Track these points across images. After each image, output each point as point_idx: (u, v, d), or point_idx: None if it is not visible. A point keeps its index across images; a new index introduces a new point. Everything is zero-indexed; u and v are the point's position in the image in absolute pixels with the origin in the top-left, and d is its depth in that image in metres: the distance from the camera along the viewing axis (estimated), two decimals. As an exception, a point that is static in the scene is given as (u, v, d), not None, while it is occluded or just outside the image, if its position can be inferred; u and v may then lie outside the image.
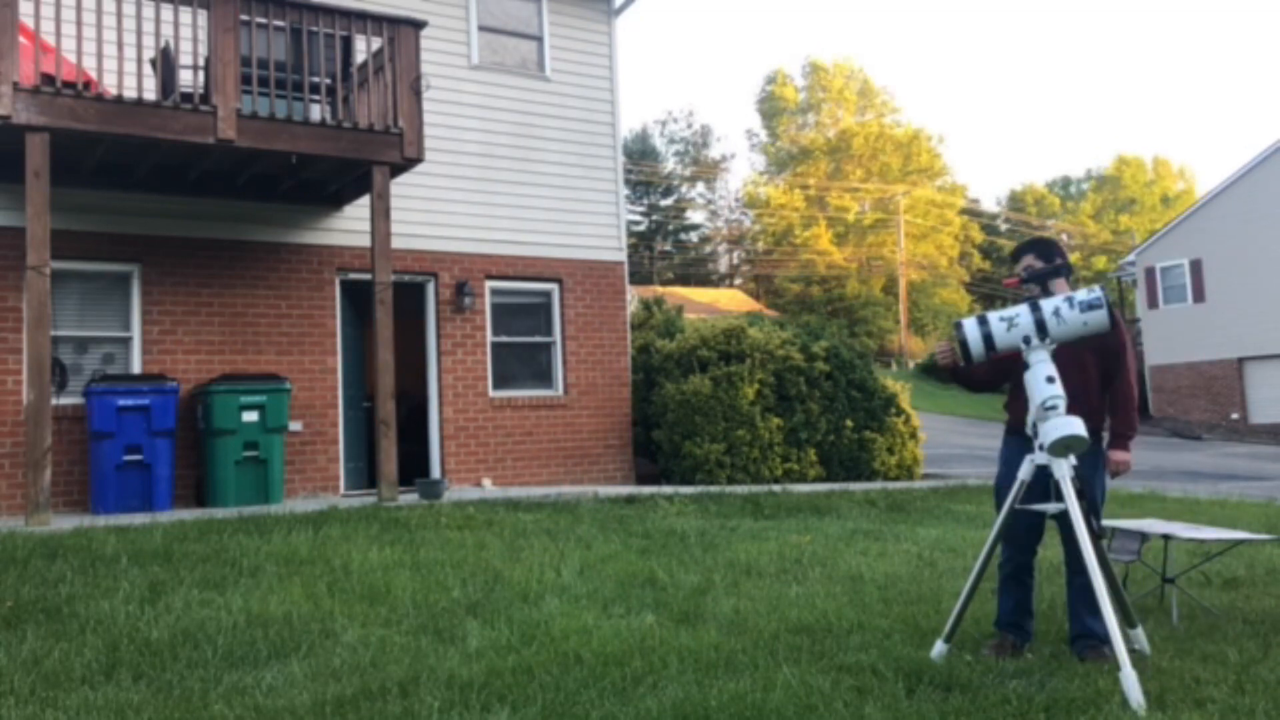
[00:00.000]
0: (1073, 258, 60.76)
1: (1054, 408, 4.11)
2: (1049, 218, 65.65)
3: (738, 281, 62.43)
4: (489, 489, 11.37)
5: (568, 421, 12.53)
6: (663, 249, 60.72)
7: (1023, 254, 4.81)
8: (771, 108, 60.02)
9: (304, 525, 7.62)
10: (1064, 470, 4.12)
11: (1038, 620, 4.98)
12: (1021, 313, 4.26)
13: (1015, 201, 67.38)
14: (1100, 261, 59.57)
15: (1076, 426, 4.07)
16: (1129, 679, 3.77)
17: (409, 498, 9.71)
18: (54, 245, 8.32)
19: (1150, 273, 32.52)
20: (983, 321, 4.31)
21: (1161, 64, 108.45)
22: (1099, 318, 4.21)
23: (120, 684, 4.09)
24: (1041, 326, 4.21)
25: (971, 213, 61.55)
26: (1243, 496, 11.94)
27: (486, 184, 12.23)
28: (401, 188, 10.63)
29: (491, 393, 12.08)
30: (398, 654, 4.51)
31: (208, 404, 9.61)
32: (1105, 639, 4.20)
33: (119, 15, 8.45)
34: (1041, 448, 4.16)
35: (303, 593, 5.59)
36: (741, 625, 5.06)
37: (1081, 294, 4.26)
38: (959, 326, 4.34)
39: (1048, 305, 4.24)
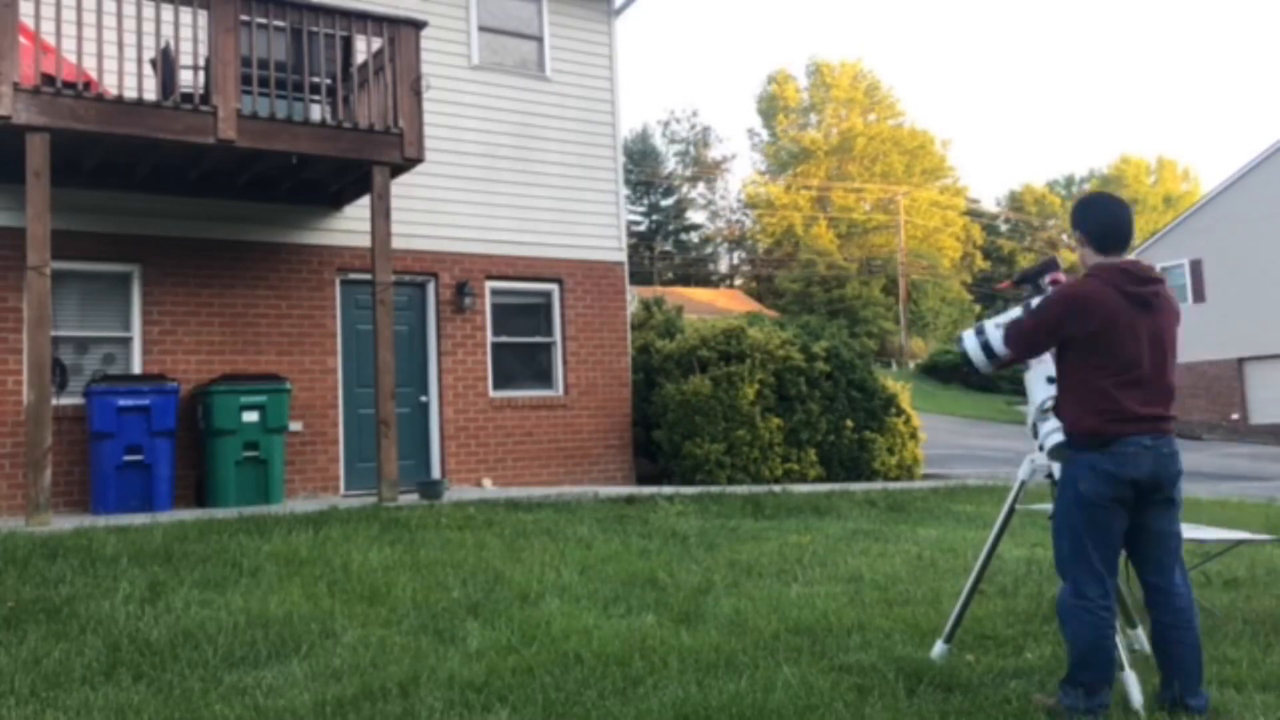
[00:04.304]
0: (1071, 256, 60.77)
1: (1054, 409, 4.12)
2: (1049, 217, 65.61)
3: (738, 281, 62.45)
4: (489, 489, 11.36)
5: (568, 421, 12.52)
6: (663, 249, 60.72)
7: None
8: (771, 107, 60.00)
9: (304, 525, 7.61)
10: (1063, 471, 4.12)
11: (1038, 623, 4.98)
12: (1016, 316, 4.27)
13: (1015, 201, 67.35)
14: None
15: None
16: (1129, 679, 3.77)
17: (409, 498, 9.71)
18: (54, 245, 8.31)
19: (1150, 273, 32.48)
20: (979, 331, 4.32)
21: (1167, 64, 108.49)
22: None
23: (120, 684, 4.09)
24: None
25: (973, 213, 61.54)
26: (1243, 497, 11.94)
27: (487, 184, 12.23)
28: (402, 188, 10.63)
29: (492, 393, 12.08)
30: (398, 654, 4.51)
31: (208, 404, 9.61)
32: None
33: (119, 15, 8.44)
34: (1041, 448, 4.17)
35: (303, 593, 5.59)
36: (741, 625, 5.06)
37: None
38: (959, 340, 4.38)
39: None
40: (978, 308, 55.30)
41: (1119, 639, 3.86)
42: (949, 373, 42.24)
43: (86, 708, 3.80)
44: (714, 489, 11.08)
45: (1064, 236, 64.98)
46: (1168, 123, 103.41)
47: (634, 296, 17.15)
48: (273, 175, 10.13)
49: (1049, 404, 4.12)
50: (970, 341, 4.31)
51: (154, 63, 9.13)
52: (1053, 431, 4.08)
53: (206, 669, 4.29)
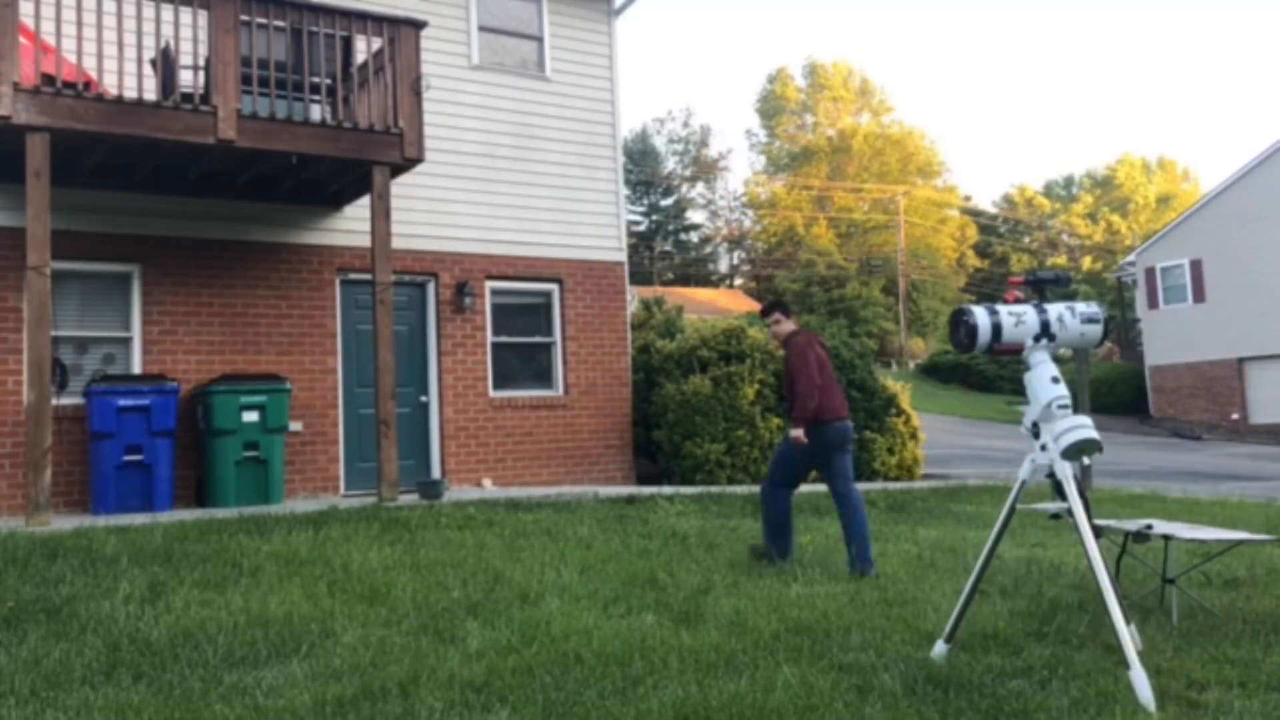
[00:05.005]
0: (1061, 260, 60.89)
1: (1065, 407, 4.13)
2: (1049, 217, 65.61)
3: (738, 281, 62.42)
4: (489, 489, 11.36)
5: (568, 421, 12.52)
6: (663, 249, 60.71)
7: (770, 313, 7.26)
8: (771, 108, 59.99)
9: (304, 525, 7.61)
10: (1066, 471, 4.13)
11: (1040, 621, 4.98)
12: (1028, 312, 4.31)
13: (1008, 203, 67.36)
14: (1086, 262, 59.63)
15: (1092, 430, 4.08)
16: (1139, 678, 3.77)
17: (409, 498, 9.71)
18: (54, 245, 8.32)
19: (1150, 273, 32.52)
20: (993, 312, 4.33)
21: (1167, 64, 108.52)
22: (1094, 332, 4.34)
23: (120, 684, 4.09)
24: (1047, 328, 4.28)
25: (971, 213, 61.51)
26: (1243, 496, 11.93)
27: (487, 184, 12.23)
28: (402, 188, 10.63)
29: (492, 393, 12.08)
30: (398, 654, 4.50)
31: (208, 404, 9.61)
32: (870, 562, 6.57)
33: (119, 15, 8.45)
34: (1044, 448, 4.17)
35: (303, 593, 5.59)
36: (741, 625, 5.05)
37: (1082, 306, 4.36)
38: (969, 313, 4.34)
39: (1053, 310, 4.31)
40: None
41: (1125, 630, 3.87)
42: (949, 373, 42.25)
43: (86, 708, 3.79)
44: (714, 489, 11.08)
45: (1063, 236, 65.03)
46: (1168, 123, 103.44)
47: (634, 296, 17.15)
48: (273, 175, 10.14)
49: (1061, 402, 4.13)
50: (983, 318, 4.31)
51: (154, 63, 9.13)
52: (1065, 431, 4.08)
53: (206, 669, 4.29)
